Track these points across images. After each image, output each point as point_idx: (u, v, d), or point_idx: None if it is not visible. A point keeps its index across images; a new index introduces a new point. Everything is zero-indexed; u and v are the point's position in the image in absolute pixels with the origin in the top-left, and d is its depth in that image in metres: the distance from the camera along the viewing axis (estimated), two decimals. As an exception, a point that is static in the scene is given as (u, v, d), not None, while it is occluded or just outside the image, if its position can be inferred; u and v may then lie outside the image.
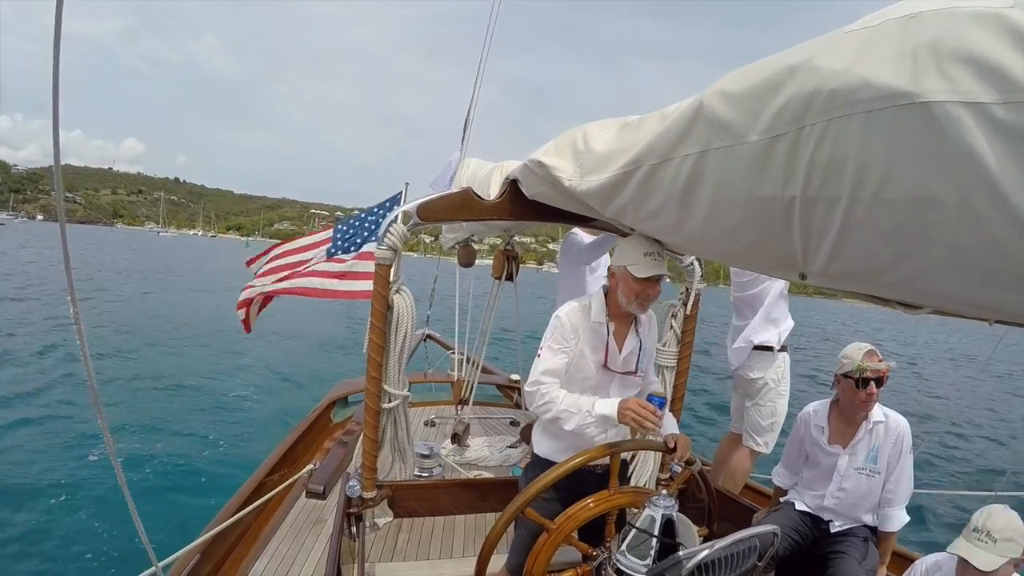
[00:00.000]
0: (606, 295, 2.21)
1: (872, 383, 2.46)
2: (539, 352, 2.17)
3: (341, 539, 2.44)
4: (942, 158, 0.84)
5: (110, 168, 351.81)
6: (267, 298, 4.32)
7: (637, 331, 2.27)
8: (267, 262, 4.46)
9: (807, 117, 1.03)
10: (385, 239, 2.28)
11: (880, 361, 2.47)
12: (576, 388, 2.17)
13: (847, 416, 2.59)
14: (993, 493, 2.32)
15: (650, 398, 1.99)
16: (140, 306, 19.02)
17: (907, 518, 2.57)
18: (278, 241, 4.84)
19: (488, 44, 4.78)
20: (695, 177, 1.30)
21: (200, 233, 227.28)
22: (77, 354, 10.52)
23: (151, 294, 22.81)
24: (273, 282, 4.22)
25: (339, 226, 4.46)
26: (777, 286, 3.49)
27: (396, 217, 2.31)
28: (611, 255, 2.33)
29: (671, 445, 2.10)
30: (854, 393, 2.50)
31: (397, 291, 2.37)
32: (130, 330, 14.28)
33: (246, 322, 4.32)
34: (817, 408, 2.72)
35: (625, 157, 1.54)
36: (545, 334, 2.18)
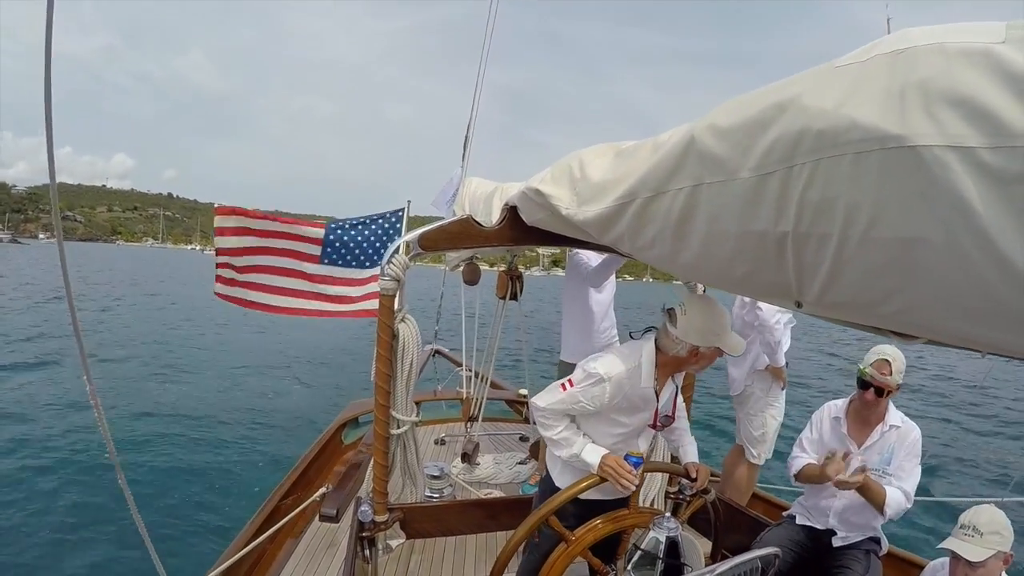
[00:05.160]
0: (656, 351, 2.10)
1: (872, 390, 2.52)
2: (564, 385, 2.12)
3: (355, 563, 2.46)
4: (930, 201, 0.85)
5: (104, 185, 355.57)
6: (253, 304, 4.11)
7: (673, 377, 2.23)
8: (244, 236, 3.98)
9: (796, 156, 1.04)
10: (388, 270, 2.30)
11: (887, 374, 2.49)
12: (610, 440, 2.15)
13: (863, 415, 2.63)
14: (1000, 499, 2.34)
15: (627, 457, 2.04)
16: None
17: (903, 500, 2.49)
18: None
19: (483, 66, 4.81)
20: (689, 210, 1.31)
21: (198, 248, 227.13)
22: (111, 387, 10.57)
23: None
24: (256, 284, 3.97)
25: (334, 229, 4.28)
26: (787, 312, 3.51)
27: (398, 248, 2.33)
28: (672, 326, 2.11)
29: (692, 474, 2.16)
30: (858, 391, 2.60)
31: (402, 320, 2.40)
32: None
33: (219, 294, 3.95)
34: (836, 403, 2.79)
35: (620, 188, 1.55)
36: (578, 376, 2.10)
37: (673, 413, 2.24)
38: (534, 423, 2.43)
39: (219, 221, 3.86)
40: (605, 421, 2.14)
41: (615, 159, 1.75)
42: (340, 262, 4.19)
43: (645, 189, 1.45)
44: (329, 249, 4.15)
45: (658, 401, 2.12)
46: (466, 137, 5.56)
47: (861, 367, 2.56)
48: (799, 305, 1.27)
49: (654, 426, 2.14)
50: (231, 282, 4.01)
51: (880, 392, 2.51)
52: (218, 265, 3.91)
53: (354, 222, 4.27)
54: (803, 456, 2.79)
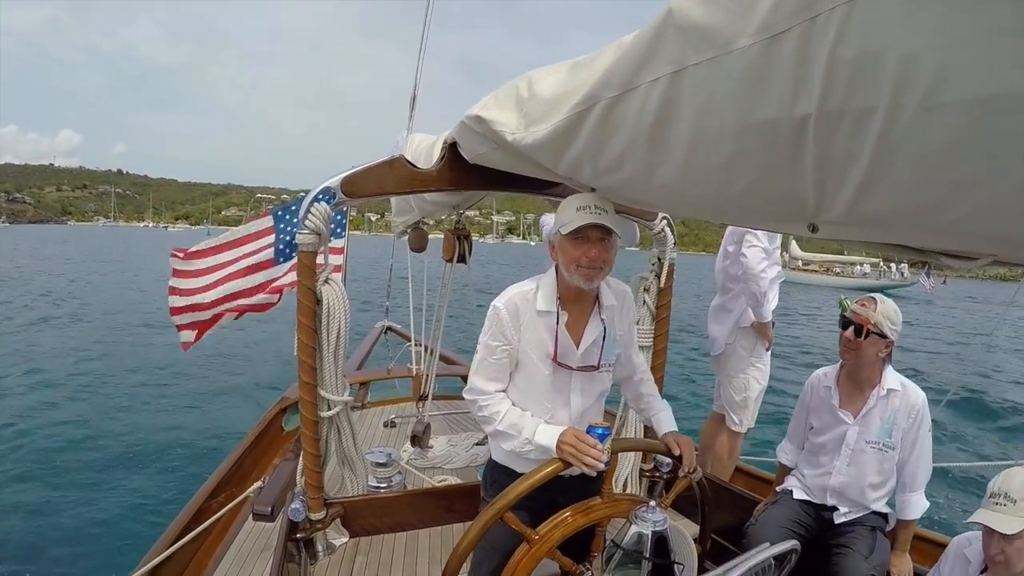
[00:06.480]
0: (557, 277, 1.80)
1: (852, 329, 2.26)
2: (478, 347, 1.83)
3: (284, 568, 2.12)
4: None
5: (51, 164, 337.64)
6: (216, 318, 3.82)
7: (600, 316, 1.87)
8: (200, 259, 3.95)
9: (821, 0, 0.74)
10: (307, 222, 1.94)
11: (870, 308, 2.24)
12: (531, 395, 1.83)
13: (856, 380, 2.35)
14: (1012, 462, 2.13)
15: (590, 430, 1.68)
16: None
17: (927, 504, 2.36)
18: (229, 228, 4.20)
19: (428, 22, 4.42)
20: (668, 106, 1.00)
21: (151, 225, 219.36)
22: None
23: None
24: (213, 300, 3.74)
25: (282, 215, 3.97)
26: (775, 265, 3.25)
27: (318, 195, 1.97)
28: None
29: (675, 451, 1.84)
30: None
31: (326, 281, 2.04)
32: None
33: (187, 344, 3.80)
34: (826, 371, 2.51)
35: (577, 96, 1.23)
36: (483, 327, 1.82)
37: (599, 360, 1.88)
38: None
39: (176, 264, 3.69)
40: (527, 373, 1.83)
41: (570, 71, 1.43)
42: (288, 254, 3.82)
43: (609, 89, 1.13)
44: (282, 246, 3.80)
45: (578, 343, 1.83)
46: (412, 97, 5.18)
47: (843, 305, 2.30)
48: (813, 229, 0.97)
49: (555, 359, 1.80)
50: (192, 325, 3.71)
51: (860, 332, 2.25)
52: (174, 311, 3.66)
53: (299, 201, 3.95)
54: (785, 455, 2.64)
